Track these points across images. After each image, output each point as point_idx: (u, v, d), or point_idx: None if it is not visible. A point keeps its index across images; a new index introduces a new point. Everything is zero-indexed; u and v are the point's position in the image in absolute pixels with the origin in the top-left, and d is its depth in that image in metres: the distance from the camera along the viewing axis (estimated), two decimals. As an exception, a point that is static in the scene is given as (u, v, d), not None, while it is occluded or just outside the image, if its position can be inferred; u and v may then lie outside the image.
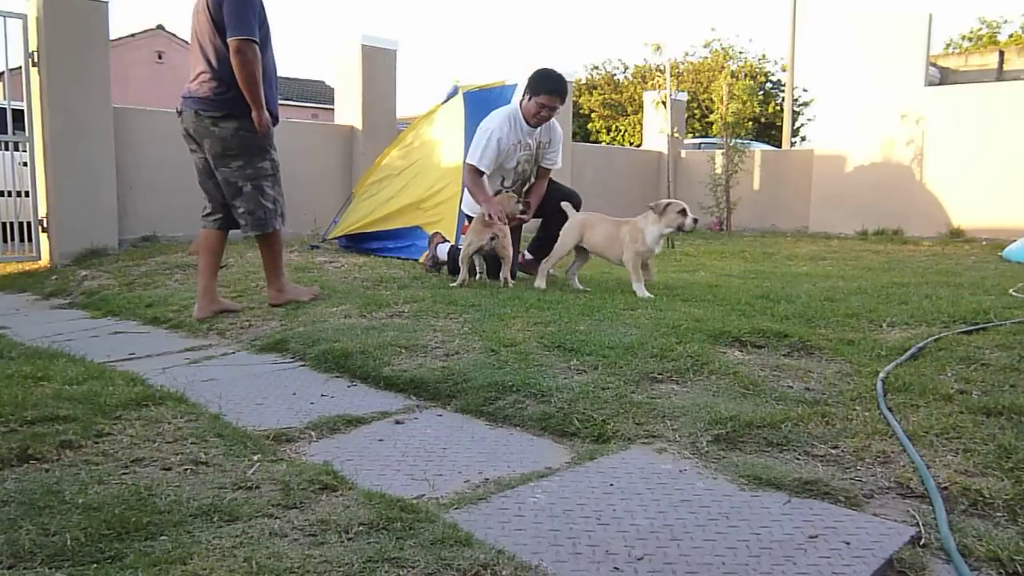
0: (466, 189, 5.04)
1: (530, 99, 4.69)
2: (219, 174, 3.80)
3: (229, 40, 3.54)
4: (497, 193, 4.68)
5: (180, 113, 3.81)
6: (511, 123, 4.73)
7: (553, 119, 4.91)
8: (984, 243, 8.57)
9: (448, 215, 5.69)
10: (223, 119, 3.69)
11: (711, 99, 12.29)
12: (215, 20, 3.61)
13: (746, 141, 11.82)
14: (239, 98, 3.64)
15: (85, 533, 1.45)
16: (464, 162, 4.83)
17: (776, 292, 4.14)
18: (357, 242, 6.38)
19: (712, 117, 11.43)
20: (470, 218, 5.18)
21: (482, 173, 4.64)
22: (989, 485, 1.72)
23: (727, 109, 10.71)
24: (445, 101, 6.46)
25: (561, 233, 4.41)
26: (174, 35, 28.80)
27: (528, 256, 5.12)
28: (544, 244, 4.96)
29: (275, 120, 3.87)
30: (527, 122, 4.75)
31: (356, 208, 6.51)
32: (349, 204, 6.66)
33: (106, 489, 1.67)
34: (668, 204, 4.10)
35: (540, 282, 4.41)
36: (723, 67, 20.31)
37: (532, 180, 4.97)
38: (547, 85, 4.66)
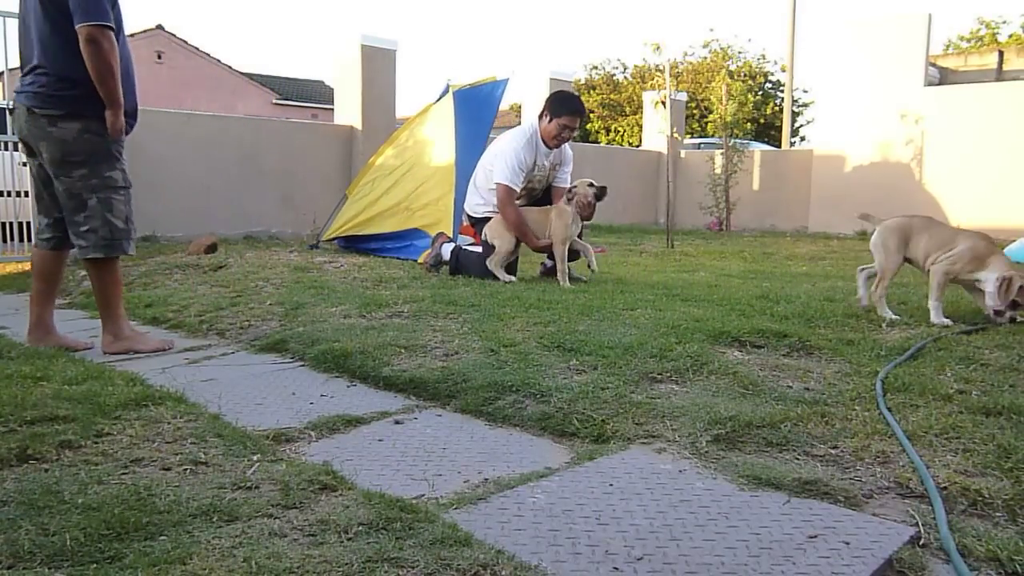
0: (472, 191, 5.06)
1: (551, 121, 4.78)
2: (59, 184, 3.18)
3: (78, 28, 2.95)
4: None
5: (11, 112, 3.22)
6: (529, 142, 4.81)
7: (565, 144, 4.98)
8: (983, 243, 8.57)
9: (441, 214, 5.67)
10: (64, 119, 3.09)
11: (710, 99, 12.31)
12: (50, 1, 3.02)
13: (745, 141, 11.83)
14: (86, 96, 3.06)
15: (85, 533, 1.45)
16: (496, 182, 4.80)
17: (775, 292, 4.14)
18: (355, 242, 6.38)
19: (711, 117, 11.44)
20: (472, 219, 5.19)
21: (515, 193, 4.71)
22: (988, 485, 1.73)
23: (726, 109, 10.71)
24: (437, 100, 6.45)
25: (879, 244, 3.58)
26: (174, 35, 28.84)
27: (549, 264, 5.11)
28: None
29: (133, 120, 3.33)
30: (546, 144, 4.84)
31: (349, 208, 6.50)
32: (343, 205, 6.65)
33: (105, 489, 1.67)
34: None
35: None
36: (722, 67, 20.34)
37: (539, 199, 5.06)
38: (568, 106, 4.78)
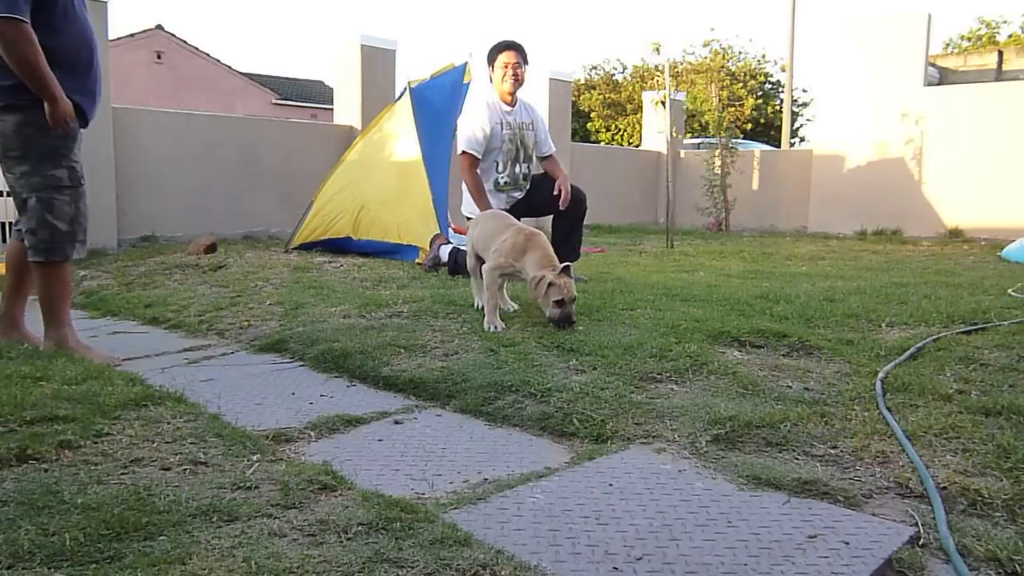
0: (465, 191, 5.04)
1: (493, 70, 4.86)
2: (5, 179, 3.04)
3: None
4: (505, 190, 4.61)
5: None
6: (488, 107, 4.90)
7: (529, 103, 4.99)
8: (983, 243, 8.58)
9: (417, 212, 5.63)
10: (3, 111, 2.91)
11: (696, 100, 12.35)
12: None
13: (738, 140, 11.83)
14: (23, 85, 2.85)
15: (84, 533, 1.45)
16: (458, 153, 4.89)
17: (775, 292, 4.14)
18: (338, 245, 6.26)
19: (705, 119, 11.46)
20: (471, 220, 5.16)
21: (475, 160, 4.70)
22: (988, 485, 1.73)
23: (708, 107, 10.74)
24: (397, 99, 6.31)
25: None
26: (173, 35, 28.82)
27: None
28: (563, 249, 4.86)
29: (87, 113, 3.08)
30: (504, 103, 4.89)
31: (314, 214, 6.30)
32: (309, 210, 6.37)
33: (105, 489, 1.67)
34: None
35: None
36: (717, 68, 20.36)
37: (522, 161, 4.98)
38: (498, 46, 4.85)
